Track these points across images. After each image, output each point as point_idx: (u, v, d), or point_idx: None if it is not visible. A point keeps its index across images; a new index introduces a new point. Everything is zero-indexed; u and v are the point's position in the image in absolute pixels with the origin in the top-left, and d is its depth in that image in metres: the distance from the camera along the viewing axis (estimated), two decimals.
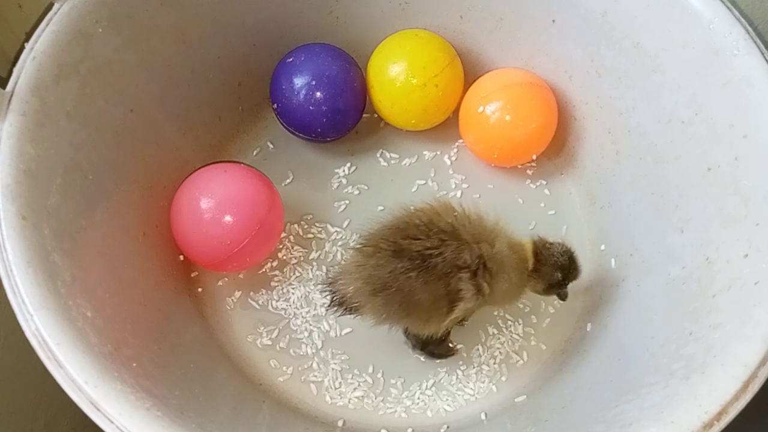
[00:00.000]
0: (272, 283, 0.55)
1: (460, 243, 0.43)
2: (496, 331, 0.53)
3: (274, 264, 0.56)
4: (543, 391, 0.50)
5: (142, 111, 0.50)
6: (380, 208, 0.58)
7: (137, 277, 0.47)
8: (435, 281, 0.42)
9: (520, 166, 0.60)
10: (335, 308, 0.46)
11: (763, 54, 0.43)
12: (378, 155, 0.61)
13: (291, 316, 0.54)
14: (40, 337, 0.35)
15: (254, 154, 0.61)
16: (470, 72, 0.60)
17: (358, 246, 0.45)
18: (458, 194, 0.59)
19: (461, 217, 0.44)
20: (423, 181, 0.60)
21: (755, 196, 0.42)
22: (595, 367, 0.48)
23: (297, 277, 0.55)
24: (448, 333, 0.51)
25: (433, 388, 0.51)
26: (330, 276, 0.47)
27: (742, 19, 0.44)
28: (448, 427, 0.50)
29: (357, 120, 0.60)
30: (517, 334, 0.53)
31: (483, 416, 0.50)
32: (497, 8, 0.57)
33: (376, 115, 0.62)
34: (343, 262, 0.47)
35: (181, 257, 0.53)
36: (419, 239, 0.43)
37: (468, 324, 0.53)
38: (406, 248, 0.43)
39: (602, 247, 0.56)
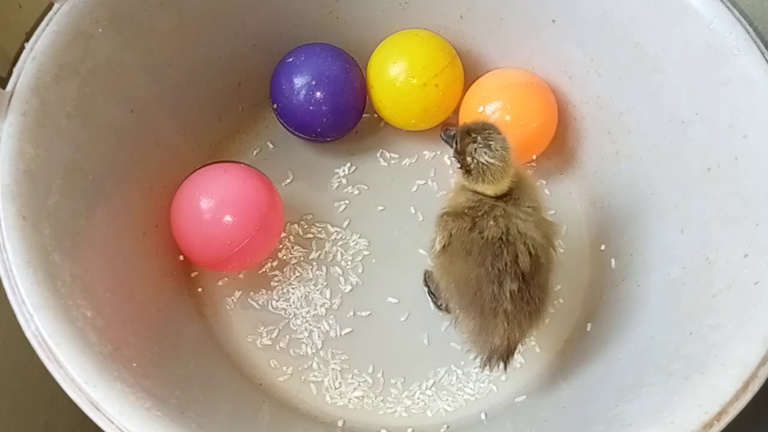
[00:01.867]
0: (272, 283, 0.55)
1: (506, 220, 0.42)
2: None
3: (274, 264, 0.56)
4: (543, 391, 0.50)
5: (142, 111, 0.50)
6: (380, 208, 0.58)
7: (137, 277, 0.47)
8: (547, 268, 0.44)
9: None
10: (509, 361, 0.44)
11: (763, 54, 0.43)
12: (378, 155, 0.61)
13: (291, 316, 0.54)
14: (40, 337, 0.35)
15: (254, 154, 0.61)
16: (470, 72, 0.60)
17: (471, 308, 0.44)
18: None
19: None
20: (423, 181, 0.60)
21: (755, 196, 0.42)
22: (595, 367, 0.48)
23: (297, 277, 0.55)
24: None
25: (433, 388, 0.51)
26: (479, 356, 0.45)
27: (742, 19, 0.44)
28: (448, 427, 0.50)
29: (357, 120, 0.60)
30: None
31: (483, 416, 0.50)
32: (497, 8, 0.57)
33: (376, 115, 0.62)
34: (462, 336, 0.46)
35: (181, 257, 0.53)
36: (520, 255, 0.42)
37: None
38: (527, 272, 0.42)
39: (602, 247, 0.56)
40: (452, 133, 0.45)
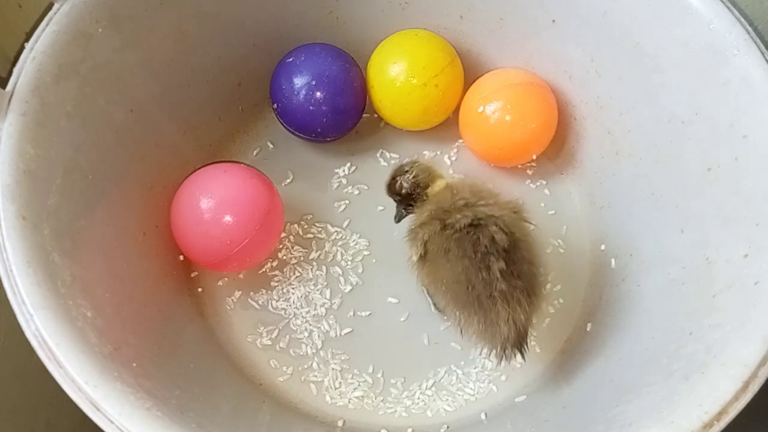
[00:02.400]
0: (272, 283, 0.55)
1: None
2: None
3: (274, 264, 0.56)
4: (543, 391, 0.50)
5: (142, 111, 0.50)
6: (380, 208, 0.58)
7: (137, 277, 0.47)
8: (528, 242, 0.45)
9: (520, 166, 0.60)
10: (524, 348, 0.44)
11: (763, 54, 0.43)
12: (378, 155, 0.61)
13: (291, 316, 0.54)
14: (40, 337, 0.35)
15: (254, 154, 0.61)
16: (470, 72, 0.60)
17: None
18: None
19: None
20: None
21: (755, 196, 0.42)
22: (595, 367, 0.48)
23: (297, 277, 0.55)
24: None
25: (433, 388, 0.51)
26: (493, 351, 0.44)
27: (742, 19, 0.44)
28: (448, 427, 0.50)
29: (357, 120, 0.60)
30: None
31: (483, 416, 0.50)
32: (497, 8, 0.57)
33: (376, 115, 0.62)
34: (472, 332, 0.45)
35: (181, 257, 0.53)
36: (495, 234, 0.43)
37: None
38: (508, 247, 0.43)
39: (602, 247, 0.56)
40: (397, 202, 0.50)
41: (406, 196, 0.49)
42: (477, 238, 0.43)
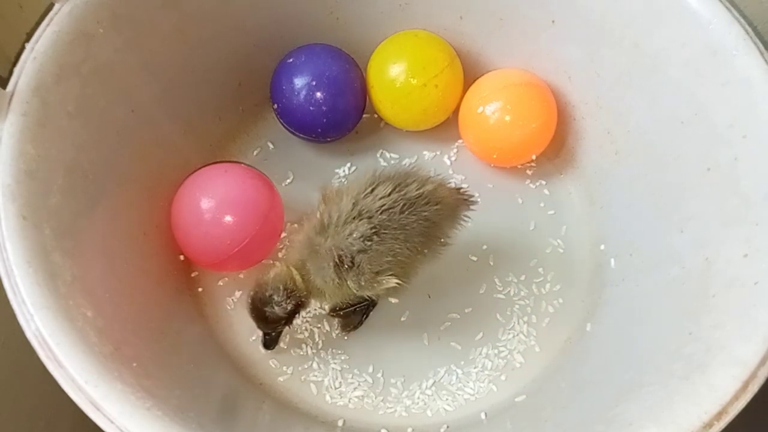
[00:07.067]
0: None
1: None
2: (495, 331, 0.53)
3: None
4: (543, 391, 0.50)
5: (143, 111, 0.50)
6: None
7: (137, 277, 0.47)
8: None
9: (519, 166, 0.61)
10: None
11: (762, 54, 0.43)
12: (378, 155, 0.61)
13: None
14: (40, 337, 0.35)
15: (254, 154, 0.61)
16: (470, 72, 0.60)
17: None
18: None
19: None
20: None
21: (755, 196, 0.42)
22: (595, 367, 0.48)
23: None
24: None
25: (433, 388, 0.51)
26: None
27: (741, 19, 0.44)
28: (448, 426, 0.50)
29: (357, 120, 0.60)
30: (517, 334, 0.53)
31: (483, 416, 0.50)
32: (497, 8, 0.57)
33: (376, 115, 0.62)
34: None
35: (182, 257, 0.54)
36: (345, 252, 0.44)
37: (467, 323, 0.54)
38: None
39: (602, 247, 0.56)
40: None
41: (291, 314, 0.46)
42: (367, 232, 0.44)
